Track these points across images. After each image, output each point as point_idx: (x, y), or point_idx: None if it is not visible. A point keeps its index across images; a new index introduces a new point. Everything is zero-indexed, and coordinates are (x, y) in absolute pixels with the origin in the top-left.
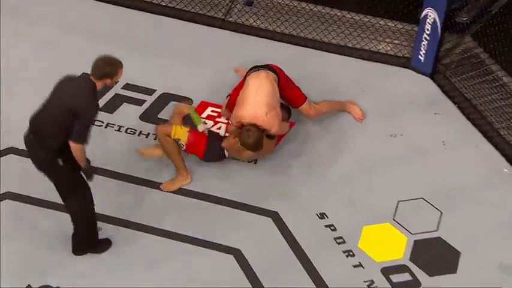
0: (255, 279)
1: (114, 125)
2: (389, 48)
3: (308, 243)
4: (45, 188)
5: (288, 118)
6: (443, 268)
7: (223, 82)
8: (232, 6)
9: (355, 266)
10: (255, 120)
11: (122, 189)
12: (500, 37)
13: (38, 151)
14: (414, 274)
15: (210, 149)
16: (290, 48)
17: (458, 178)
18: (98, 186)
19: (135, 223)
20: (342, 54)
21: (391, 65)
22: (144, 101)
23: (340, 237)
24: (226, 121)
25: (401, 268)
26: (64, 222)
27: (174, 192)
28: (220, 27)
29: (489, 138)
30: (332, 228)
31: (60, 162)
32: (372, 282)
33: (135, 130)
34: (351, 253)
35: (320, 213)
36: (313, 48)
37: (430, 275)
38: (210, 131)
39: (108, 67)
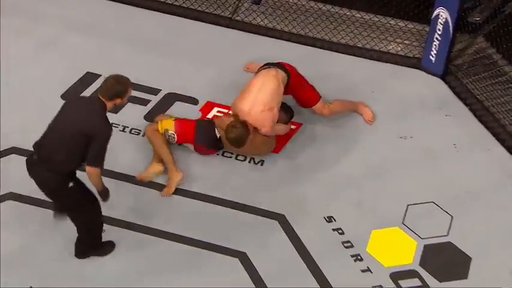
0: (261, 283)
1: (119, 125)
2: (399, 48)
3: (315, 247)
4: None
5: (289, 120)
6: (453, 274)
7: (229, 82)
8: (240, 4)
9: (363, 271)
10: (247, 117)
11: (127, 191)
12: None
13: (45, 175)
14: (424, 280)
15: (201, 129)
16: (298, 48)
17: (470, 182)
18: None
19: (140, 225)
20: (351, 55)
21: (402, 65)
22: (149, 101)
23: (348, 241)
24: None
25: (410, 273)
26: (66, 224)
27: (178, 194)
28: (227, 26)
29: (501, 141)
30: (340, 231)
31: (71, 184)
32: (380, 287)
33: (140, 130)
34: (359, 257)
35: (328, 217)
36: (321, 48)
37: (440, 281)
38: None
39: (119, 86)
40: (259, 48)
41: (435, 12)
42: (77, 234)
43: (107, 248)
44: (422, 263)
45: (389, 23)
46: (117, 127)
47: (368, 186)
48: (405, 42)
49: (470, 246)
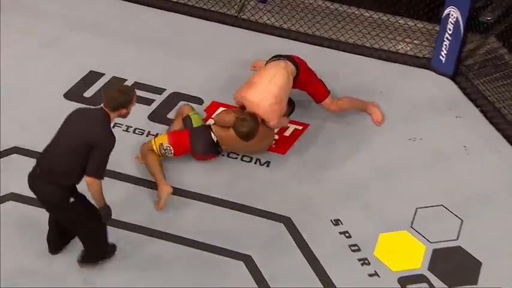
0: (266, 286)
1: (122, 125)
2: (409, 48)
3: (322, 250)
4: None
5: (291, 113)
6: (463, 279)
7: (235, 82)
8: (246, 3)
9: (370, 275)
10: (257, 109)
11: (130, 192)
12: None
13: (47, 188)
14: (433, 284)
15: (195, 135)
16: (305, 47)
17: (480, 185)
18: (105, 189)
19: (143, 227)
20: (359, 54)
21: (411, 65)
22: (153, 101)
23: (355, 245)
24: None
25: (419, 278)
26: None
27: (182, 195)
28: (233, 25)
29: None
30: (347, 235)
31: (72, 199)
32: None
33: (144, 130)
34: (367, 261)
35: (335, 219)
36: (329, 47)
37: (449, 286)
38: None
39: (123, 96)
40: (265, 47)
41: (446, 11)
42: (82, 248)
43: (109, 250)
44: (431, 268)
45: (399, 22)
46: (120, 127)
47: (376, 189)
48: (415, 42)
49: (481, 251)
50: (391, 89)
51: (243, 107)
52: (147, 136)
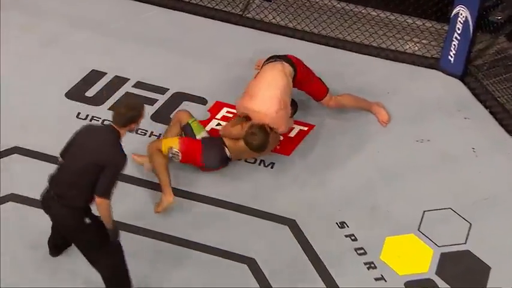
0: None
1: None
2: (417, 48)
3: (327, 253)
4: None
5: (293, 114)
6: (471, 283)
7: (239, 81)
8: (251, 1)
9: (376, 279)
10: (264, 118)
11: (133, 194)
12: None
13: (62, 212)
14: None
15: (209, 151)
16: (311, 46)
17: (489, 187)
18: None
19: (146, 229)
20: (366, 54)
21: (419, 66)
22: (156, 100)
23: (361, 248)
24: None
25: (426, 282)
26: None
27: (186, 197)
28: (238, 24)
29: None
30: (353, 238)
31: (87, 220)
32: None
33: (146, 131)
34: (373, 265)
35: (340, 222)
36: (335, 47)
37: None
38: (203, 137)
39: (132, 111)
40: (271, 47)
41: (455, 11)
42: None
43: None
44: (439, 272)
45: (407, 22)
46: None
47: (382, 191)
48: (423, 41)
49: (490, 255)
50: (399, 90)
51: (246, 116)
52: (149, 136)
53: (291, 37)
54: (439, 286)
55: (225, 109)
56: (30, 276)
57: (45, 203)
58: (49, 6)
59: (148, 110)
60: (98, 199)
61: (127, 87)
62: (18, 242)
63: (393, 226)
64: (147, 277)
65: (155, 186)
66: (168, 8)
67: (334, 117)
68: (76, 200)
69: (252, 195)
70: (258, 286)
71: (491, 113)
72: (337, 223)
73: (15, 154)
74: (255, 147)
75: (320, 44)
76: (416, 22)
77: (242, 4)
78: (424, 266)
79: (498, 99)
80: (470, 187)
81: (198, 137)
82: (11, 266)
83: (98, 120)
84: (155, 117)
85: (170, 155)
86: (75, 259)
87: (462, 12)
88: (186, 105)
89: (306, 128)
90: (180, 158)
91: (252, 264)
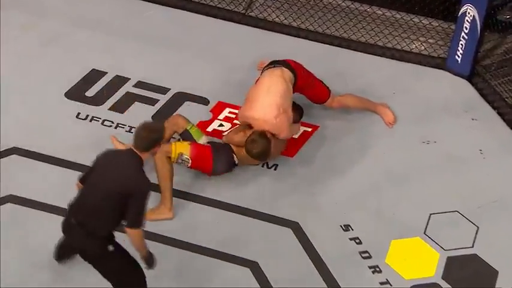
0: None
1: (125, 125)
2: (423, 47)
3: (331, 257)
4: (49, 191)
5: (300, 119)
6: None
7: (242, 81)
8: None
9: (381, 283)
10: (264, 125)
11: None
12: None
13: (83, 240)
14: None
15: (219, 157)
16: (315, 46)
17: (497, 190)
18: None
19: (149, 232)
20: (371, 54)
21: (425, 65)
22: (157, 100)
23: (366, 252)
24: None
25: (432, 287)
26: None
27: (189, 200)
28: (241, 23)
29: None
30: (357, 241)
31: (111, 247)
32: None
33: None
34: (378, 269)
35: (345, 225)
36: (340, 46)
37: None
38: (211, 142)
39: (154, 134)
40: (274, 46)
41: (462, 9)
42: None
43: None
44: (445, 276)
45: (413, 21)
46: (123, 127)
47: (388, 194)
48: (429, 41)
49: (497, 259)
50: (405, 90)
51: (249, 124)
52: None
53: (295, 36)
54: None
55: (227, 109)
56: (30, 276)
57: (67, 231)
58: (49, 5)
59: (150, 110)
60: (130, 230)
61: (128, 87)
62: (17, 243)
63: (399, 229)
64: (149, 279)
65: (155, 187)
66: (170, 7)
67: (339, 118)
68: (99, 229)
69: (254, 197)
70: None
71: (499, 114)
72: (341, 226)
73: (14, 155)
74: (256, 155)
75: (324, 43)
76: (422, 21)
77: (245, 2)
78: (431, 270)
79: (506, 100)
80: (478, 190)
81: (199, 142)
82: (11, 267)
83: (98, 121)
84: (156, 118)
85: (180, 161)
86: (80, 266)
87: (470, 11)
88: (187, 105)
89: (310, 129)
90: (189, 164)
91: (254, 267)
